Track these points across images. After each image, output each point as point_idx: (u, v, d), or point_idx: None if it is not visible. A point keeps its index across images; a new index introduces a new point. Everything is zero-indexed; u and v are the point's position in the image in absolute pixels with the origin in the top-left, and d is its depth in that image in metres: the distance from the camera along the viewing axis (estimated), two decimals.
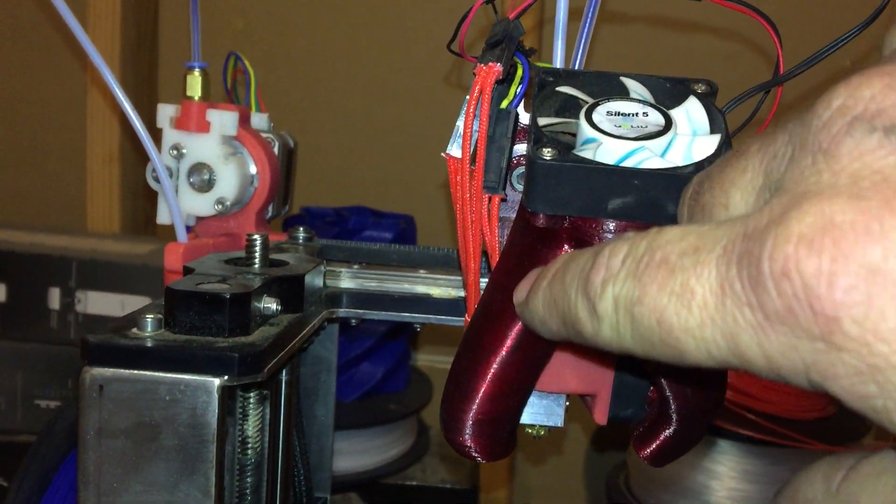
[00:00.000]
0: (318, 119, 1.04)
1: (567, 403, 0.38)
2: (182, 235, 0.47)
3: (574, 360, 0.35)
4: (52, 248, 0.85)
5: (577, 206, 0.29)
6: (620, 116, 0.31)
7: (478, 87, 0.32)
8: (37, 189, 1.08)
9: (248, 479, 0.42)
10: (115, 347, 0.32)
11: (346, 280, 0.46)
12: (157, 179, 0.47)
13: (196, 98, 0.49)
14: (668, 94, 0.33)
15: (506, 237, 0.35)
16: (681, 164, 0.29)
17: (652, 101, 0.32)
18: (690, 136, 0.30)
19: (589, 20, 0.37)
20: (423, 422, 0.99)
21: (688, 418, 0.33)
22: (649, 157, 0.29)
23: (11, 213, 1.08)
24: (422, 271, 0.46)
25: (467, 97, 0.32)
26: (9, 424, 0.84)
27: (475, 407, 0.32)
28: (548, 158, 0.29)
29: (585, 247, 0.27)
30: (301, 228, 0.50)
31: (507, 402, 0.32)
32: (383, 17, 1.03)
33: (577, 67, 0.37)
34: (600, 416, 0.36)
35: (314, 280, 0.42)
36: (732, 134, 0.31)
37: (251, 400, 0.42)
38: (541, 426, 0.38)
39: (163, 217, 0.49)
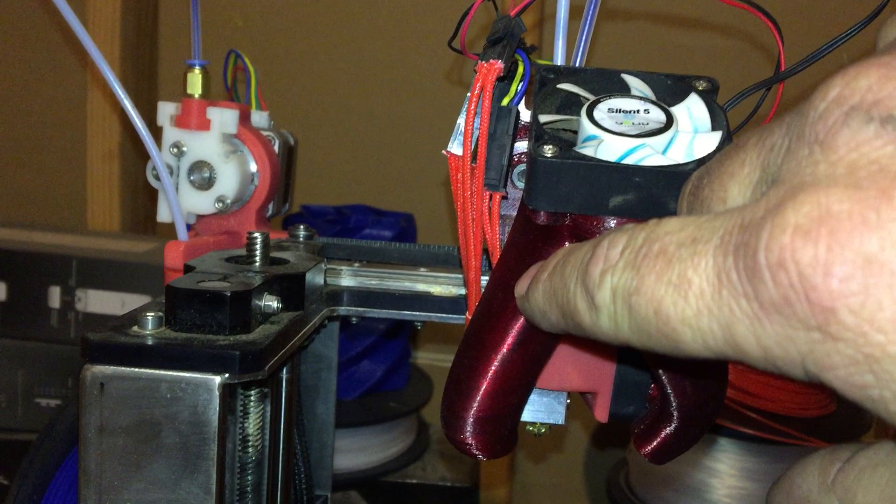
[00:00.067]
0: (318, 117, 1.04)
1: (568, 401, 0.38)
2: (182, 233, 0.47)
3: (575, 358, 0.35)
4: (53, 246, 0.85)
5: (579, 204, 0.29)
6: (622, 113, 0.31)
7: (479, 84, 0.32)
8: (37, 187, 1.08)
9: (249, 477, 0.42)
10: (115, 345, 0.32)
11: (347, 278, 0.46)
12: (157, 177, 0.47)
13: (196, 96, 0.49)
14: (669, 92, 0.33)
15: (507, 235, 0.35)
16: (682, 161, 0.29)
17: (653, 98, 0.32)
18: (692, 133, 0.30)
19: (590, 17, 0.37)
20: (423, 420, 0.99)
21: (689, 416, 0.33)
22: (650, 154, 0.29)
23: (11, 212, 1.08)
24: (422, 269, 0.46)
25: (468, 94, 0.32)
26: (9, 423, 0.84)
27: (476, 404, 0.32)
28: (549, 156, 0.29)
29: None
30: (301, 226, 0.50)
31: (507, 399, 0.32)
32: (384, 15, 1.03)
33: (578, 65, 0.37)
34: (601, 413, 0.36)
35: (315, 278, 0.42)
36: (734, 131, 0.31)
37: (252, 398, 0.42)
38: (542, 424, 0.38)
39: (163, 215, 0.49)
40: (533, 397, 0.38)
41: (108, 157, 1.02)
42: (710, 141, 0.30)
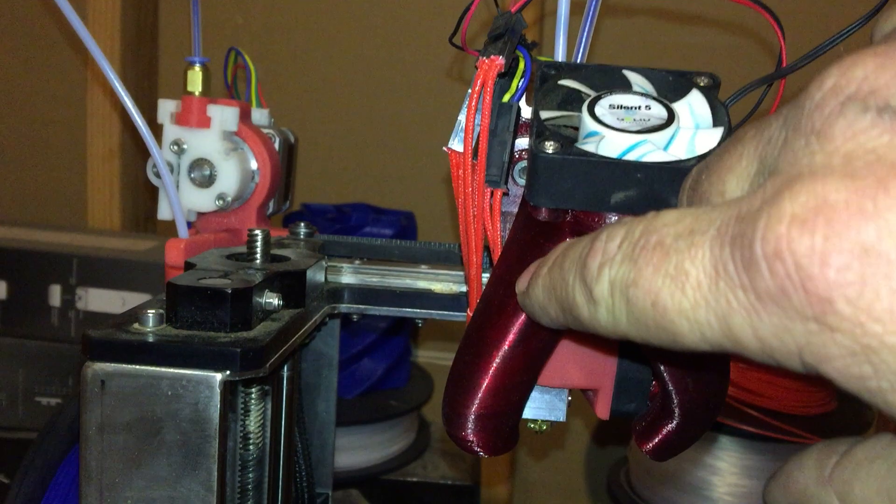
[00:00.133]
0: (318, 115, 1.04)
1: (569, 398, 0.38)
2: (183, 231, 0.47)
3: (576, 355, 0.35)
4: (53, 244, 0.85)
5: (580, 200, 0.29)
6: (623, 110, 0.31)
7: (480, 80, 0.32)
8: (37, 186, 1.08)
9: (250, 475, 0.42)
10: (116, 342, 0.32)
11: (348, 275, 0.46)
12: (157, 175, 0.47)
13: (197, 93, 0.49)
14: (670, 88, 0.33)
15: (507, 232, 0.35)
16: (684, 157, 0.29)
17: (654, 94, 0.32)
18: (693, 129, 0.30)
19: (591, 14, 0.37)
20: (423, 418, 0.99)
21: (690, 413, 0.33)
22: (652, 150, 0.29)
23: (12, 210, 1.08)
24: (423, 267, 0.46)
25: (469, 91, 0.32)
26: (10, 421, 0.84)
27: (477, 401, 0.32)
28: (550, 152, 0.29)
29: None
30: (302, 224, 0.50)
31: (509, 396, 0.32)
32: (384, 12, 1.03)
33: (579, 61, 0.37)
34: (602, 410, 0.36)
35: (315, 275, 0.42)
36: (735, 127, 0.31)
37: (253, 395, 0.42)
38: (543, 421, 0.38)
39: (164, 213, 0.49)
40: (534, 394, 0.38)
41: (109, 155, 1.02)
42: (711, 137, 0.30)
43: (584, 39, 0.37)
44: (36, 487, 0.46)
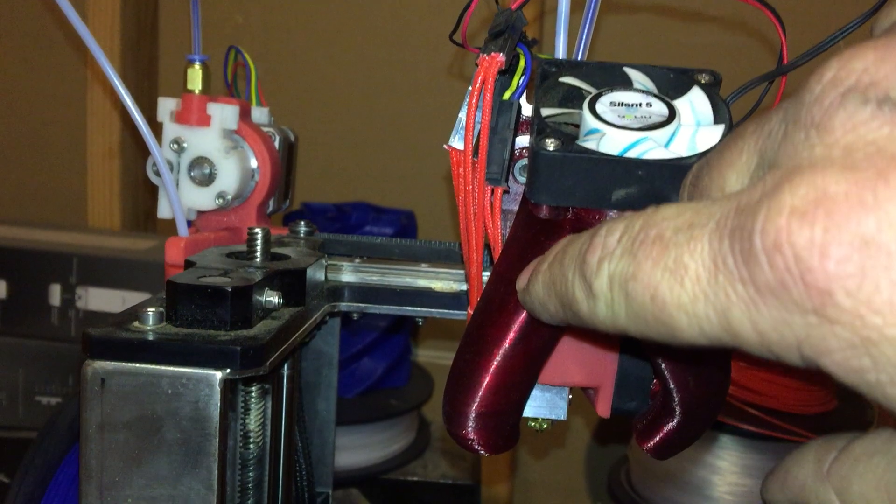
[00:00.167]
0: (318, 114, 1.04)
1: (570, 396, 0.38)
2: (183, 229, 0.46)
3: (577, 353, 0.35)
4: (53, 244, 0.85)
5: (581, 197, 0.29)
6: (624, 107, 0.31)
7: (480, 77, 0.32)
8: (37, 185, 1.08)
9: (251, 474, 0.42)
10: (116, 341, 0.32)
11: (348, 274, 0.46)
12: (157, 173, 0.47)
13: (197, 91, 0.49)
14: (671, 85, 0.33)
15: (508, 230, 0.35)
16: (685, 154, 0.29)
17: (655, 91, 0.32)
18: (694, 126, 0.30)
19: (591, 11, 0.37)
20: (424, 417, 0.99)
21: (691, 411, 0.33)
22: (653, 147, 0.29)
23: (11, 209, 1.08)
24: (423, 265, 0.46)
25: (470, 88, 0.32)
26: (10, 421, 0.84)
27: (478, 400, 0.32)
28: (551, 149, 0.29)
29: None
30: (302, 222, 0.50)
31: (509, 394, 0.32)
32: (384, 10, 1.02)
33: (579, 58, 0.37)
34: (603, 409, 0.36)
35: (316, 274, 0.42)
36: (736, 124, 0.31)
37: (253, 394, 0.41)
38: (543, 419, 0.38)
39: (163, 211, 0.49)
40: (535, 393, 0.37)
41: (109, 154, 1.02)
42: (712, 134, 0.30)
43: (584, 37, 0.37)
44: (36, 487, 0.46)
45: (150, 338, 0.32)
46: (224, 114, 0.48)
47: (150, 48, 1.05)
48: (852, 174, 0.18)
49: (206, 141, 0.48)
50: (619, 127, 0.29)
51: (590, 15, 0.37)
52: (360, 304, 0.45)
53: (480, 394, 0.32)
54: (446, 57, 1.00)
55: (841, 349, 0.18)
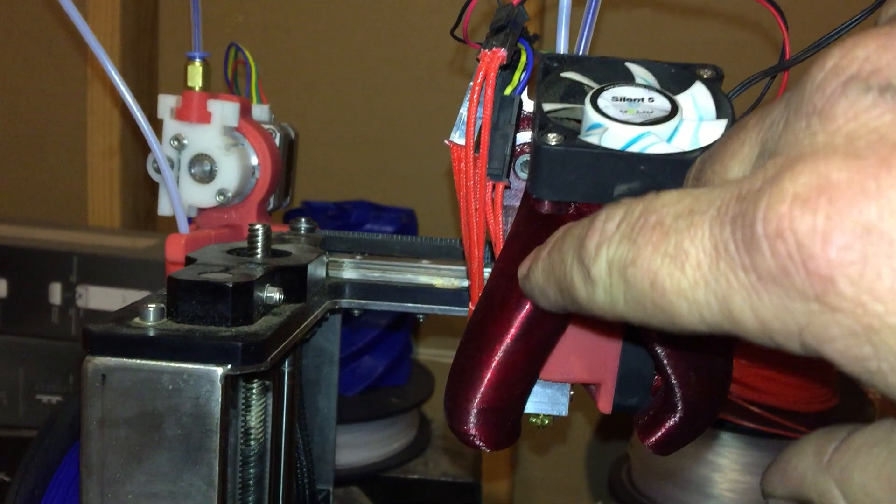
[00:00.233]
0: (318, 113, 1.04)
1: (571, 392, 0.38)
2: (184, 226, 0.46)
3: (579, 349, 0.35)
4: (53, 242, 0.85)
5: (583, 192, 0.29)
6: (626, 102, 0.31)
7: (482, 72, 0.32)
8: (37, 184, 1.08)
9: (251, 470, 0.42)
10: (117, 337, 0.32)
11: (349, 270, 0.45)
12: (158, 170, 0.47)
13: (197, 88, 0.49)
14: (673, 80, 0.33)
15: (509, 225, 0.34)
16: (687, 149, 0.29)
17: (657, 86, 0.32)
18: (697, 121, 0.30)
19: (593, 6, 0.36)
20: (424, 415, 0.99)
21: (693, 407, 0.33)
22: (655, 142, 0.29)
23: (12, 208, 1.08)
24: (425, 262, 0.46)
25: (471, 83, 0.32)
26: (11, 420, 0.83)
27: (479, 395, 0.32)
28: (553, 144, 0.29)
29: None
30: (303, 219, 0.50)
31: (511, 390, 0.32)
32: (384, 8, 1.02)
33: (581, 54, 0.37)
34: (605, 404, 0.36)
35: (316, 270, 0.42)
36: (738, 119, 0.31)
37: (254, 390, 0.41)
38: (545, 415, 0.38)
39: (164, 208, 0.49)
40: (536, 389, 0.37)
41: (109, 153, 1.01)
42: (715, 129, 0.30)
43: (586, 32, 0.37)
44: (36, 485, 0.46)
45: (151, 334, 0.32)
46: (225, 111, 0.48)
47: (150, 47, 1.05)
48: (854, 162, 0.18)
49: (206, 138, 0.48)
50: (621, 122, 0.29)
51: (591, 11, 0.37)
52: (362, 301, 0.45)
53: (482, 390, 0.32)
54: (446, 55, 1.00)
55: (842, 337, 0.18)
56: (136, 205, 1.05)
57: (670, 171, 0.28)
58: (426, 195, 1.01)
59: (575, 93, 0.33)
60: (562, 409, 0.38)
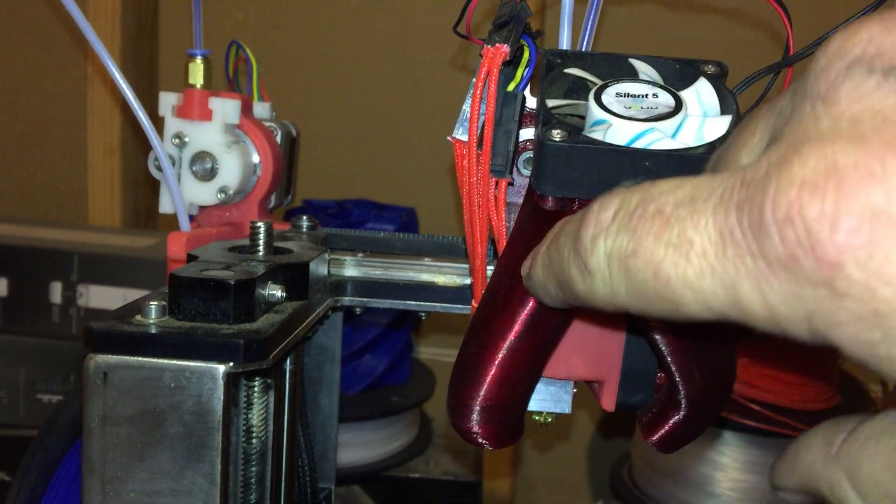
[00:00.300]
0: (319, 111, 1.04)
1: (574, 390, 0.38)
2: (185, 224, 0.46)
3: (582, 346, 0.35)
4: (54, 241, 0.85)
5: (587, 189, 0.29)
6: (630, 98, 0.30)
7: (485, 68, 0.32)
8: (38, 183, 1.08)
9: (253, 469, 0.42)
10: (118, 334, 0.32)
11: (351, 268, 0.45)
12: (159, 168, 0.46)
13: (198, 86, 0.49)
14: (677, 76, 0.32)
15: (512, 222, 0.34)
16: (692, 145, 0.29)
17: (661, 82, 0.32)
18: (701, 116, 0.30)
19: (596, 2, 0.36)
20: (425, 414, 0.98)
21: (697, 404, 0.33)
22: (660, 138, 0.29)
23: (12, 207, 1.08)
24: (426, 259, 0.46)
25: (474, 80, 0.32)
26: (11, 419, 0.83)
27: (482, 393, 0.32)
28: (557, 140, 0.29)
29: None
30: (304, 217, 0.50)
31: (514, 388, 0.32)
32: (385, 6, 1.02)
33: (584, 50, 0.37)
34: (608, 402, 0.36)
35: (318, 267, 0.42)
36: (743, 115, 0.31)
37: (255, 389, 0.41)
38: (548, 413, 0.38)
39: (165, 206, 0.49)
40: (539, 386, 0.37)
41: (109, 152, 1.01)
42: (719, 125, 0.30)
43: (589, 28, 0.37)
44: (37, 485, 0.46)
45: (153, 331, 0.32)
46: (226, 108, 0.48)
47: (150, 46, 1.05)
48: (860, 146, 0.18)
49: (207, 135, 0.47)
50: (625, 118, 0.29)
51: (594, 7, 0.37)
52: (363, 299, 0.45)
53: (485, 387, 0.32)
54: (448, 53, 1.00)
55: (851, 322, 0.17)
56: (136, 204, 1.05)
57: (675, 167, 0.28)
58: (427, 194, 1.01)
59: (578, 89, 0.33)
60: (565, 407, 0.38)
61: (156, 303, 0.33)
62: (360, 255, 0.46)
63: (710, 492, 0.82)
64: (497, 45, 0.32)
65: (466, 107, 0.33)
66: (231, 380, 0.32)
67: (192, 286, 0.33)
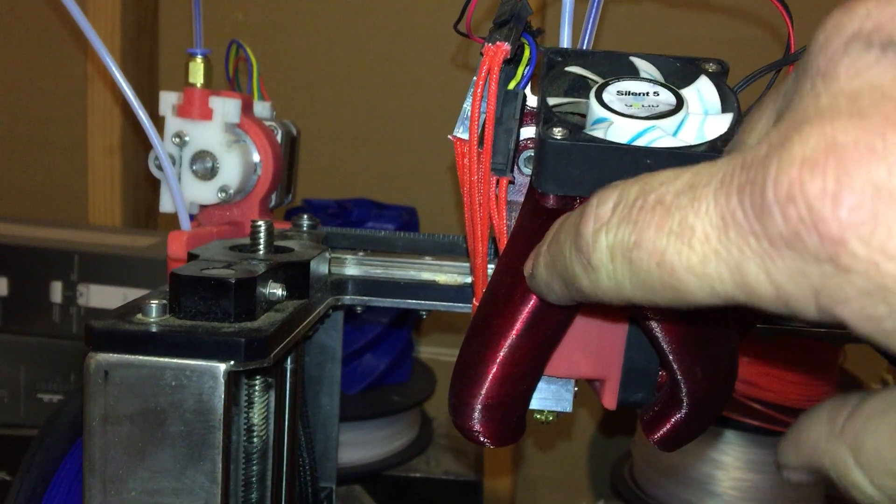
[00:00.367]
0: (318, 111, 1.04)
1: (575, 388, 0.38)
2: (185, 223, 0.46)
3: (583, 344, 0.35)
4: (54, 241, 0.85)
5: (588, 187, 0.29)
6: (631, 96, 0.30)
7: (486, 66, 0.31)
8: (38, 182, 1.08)
9: (254, 468, 0.42)
10: (119, 333, 0.32)
11: (352, 267, 0.45)
12: (159, 167, 0.46)
13: (198, 85, 0.49)
14: (678, 74, 0.32)
15: (513, 221, 0.34)
16: (693, 143, 0.29)
17: (662, 80, 0.32)
18: (702, 115, 0.30)
19: (596, 0, 0.36)
20: (426, 414, 0.98)
21: (699, 402, 0.33)
22: (661, 136, 0.29)
23: (12, 207, 1.08)
24: (427, 258, 0.46)
25: (475, 78, 0.32)
26: (12, 418, 0.83)
27: (484, 391, 0.32)
28: (559, 138, 0.29)
29: None
30: (305, 216, 0.49)
31: (516, 386, 0.32)
32: (385, 5, 1.02)
33: (585, 48, 0.37)
34: (609, 400, 0.36)
35: (319, 266, 0.42)
36: (744, 113, 0.31)
37: (256, 387, 0.41)
38: (549, 412, 0.38)
39: (166, 205, 0.49)
40: (540, 385, 0.37)
41: (110, 151, 1.01)
42: (721, 123, 0.30)
43: (589, 26, 0.37)
44: (38, 484, 0.46)
45: (154, 330, 0.32)
46: (226, 107, 0.48)
47: (150, 46, 1.05)
48: (860, 122, 0.18)
49: (208, 134, 0.47)
50: (626, 116, 0.29)
51: (595, 5, 0.37)
52: (364, 298, 0.45)
53: (487, 385, 0.32)
54: (448, 52, 1.00)
55: (857, 298, 0.18)
56: (136, 203, 1.05)
57: (676, 165, 0.28)
58: (427, 193, 1.01)
59: (579, 87, 0.33)
60: (566, 406, 0.38)
61: (156, 301, 0.33)
62: (360, 253, 0.46)
63: (712, 491, 0.82)
64: (498, 43, 0.31)
65: (467, 105, 0.33)
66: (232, 378, 0.32)
67: (192, 285, 0.33)
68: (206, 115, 0.48)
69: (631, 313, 0.33)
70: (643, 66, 0.33)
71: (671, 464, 0.84)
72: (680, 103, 0.30)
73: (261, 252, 0.40)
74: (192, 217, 0.48)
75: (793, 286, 0.18)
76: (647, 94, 0.31)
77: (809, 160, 0.18)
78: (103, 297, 0.83)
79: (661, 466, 0.85)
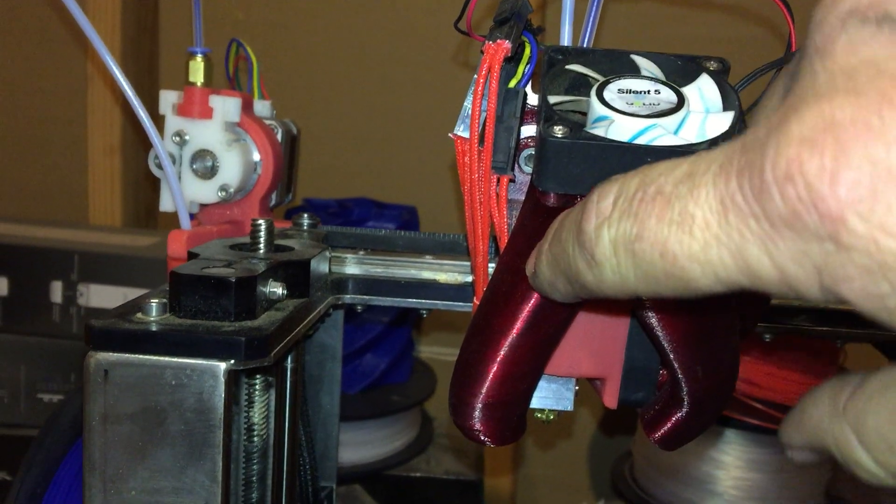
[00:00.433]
0: (319, 110, 1.04)
1: (576, 387, 0.38)
2: (185, 222, 0.46)
3: (584, 343, 0.35)
4: (54, 241, 0.85)
5: (589, 185, 0.29)
6: (632, 94, 0.30)
7: (486, 64, 0.31)
8: (38, 182, 1.08)
9: (255, 467, 0.41)
10: (119, 332, 0.32)
11: (352, 266, 0.45)
12: (159, 166, 0.46)
13: (199, 84, 0.49)
14: (679, 72, 0.32)
15: (514, 219, 0.34)
16: (694, 141, 0.29)
17: (663, 78, 0.32)
18: (703, 113, 0.30)
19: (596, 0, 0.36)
20: (426, 413, 0.98)
21: (700, 401, 0.33)
22: (662, 134, 0.29)
23: (13, 206, 1.08)
24: (428, 257, 0.46)
25: (475, 77, 0.32)
26: (12, 418, 0.83)
27: (484, 390, 0.32)
28: (559, 136, 0.28)
29: None
30: (305, 215, 0.49)
31: (516, 385, 0.32)
32: (385, 4, 1.02)
33: (585, 46, 0.37)
34: (610, 399, 0.36)
35: (319, 265, 0.42)
36: (746, 111, 0.31)
37: (256, 387, 0.41)
38: (550, 411, 0.38)
39: (166, 204, 0.49)
40: (541, 384, 0.37)
41: (110, 151, 1.01)
42: (722, 121, 0.29)
43: (590, 24, 0.37)
44: (38, 484, 0.45)
45: (154, 329, 0.32)
46: (226, 106, 0.48)
47: (151, 45, 1.05)
48: (856, 99, 0.17)
49: (208, 133, 0.47)
50: (627, 114, 0.29)
51: (595, 3, 0.37)
52: (365, 297, 0.45)
53: (487, 384, 0.32)
54: (448, 51, 0.99)
55: (859, 275, 0.17)
56: (137, 203, 1.05)
57: None
58: (427, 193, 1.01)
59: (580, 85, 0.33)
60: (567, 404, 0.38)
61: (157, 300, 0.33)
62: (361, 252, 0.46)
63: (712, 490, 0.82)
64: (498, 41, 0.31)
65: (468, 103, 0.33)
66: (232, 377, 0.32)
67: (192, 284, 0.33)
68: (207, 114, 0.47)
69: (633, 310, 0.33)
70: (644, 64, 0.33)
71: (672, 463, 0.84)
72: (681, 101, 0.30)
73: (261, 251, 0.40)
74: (192, 216, 0.48)
75: (795, 267, 0.18)
76: (649, 92, 0.31)
77: (807, 139, 0.17)
78: (103, 296, 0.83)
79: (661, 466, 0.85)
